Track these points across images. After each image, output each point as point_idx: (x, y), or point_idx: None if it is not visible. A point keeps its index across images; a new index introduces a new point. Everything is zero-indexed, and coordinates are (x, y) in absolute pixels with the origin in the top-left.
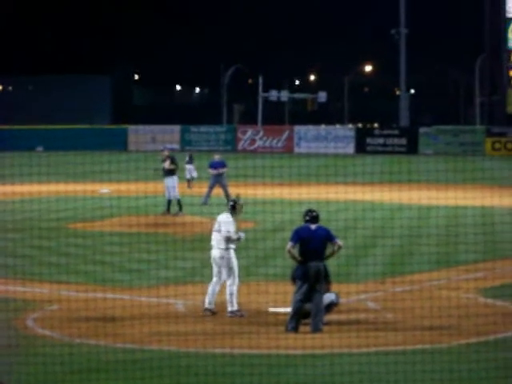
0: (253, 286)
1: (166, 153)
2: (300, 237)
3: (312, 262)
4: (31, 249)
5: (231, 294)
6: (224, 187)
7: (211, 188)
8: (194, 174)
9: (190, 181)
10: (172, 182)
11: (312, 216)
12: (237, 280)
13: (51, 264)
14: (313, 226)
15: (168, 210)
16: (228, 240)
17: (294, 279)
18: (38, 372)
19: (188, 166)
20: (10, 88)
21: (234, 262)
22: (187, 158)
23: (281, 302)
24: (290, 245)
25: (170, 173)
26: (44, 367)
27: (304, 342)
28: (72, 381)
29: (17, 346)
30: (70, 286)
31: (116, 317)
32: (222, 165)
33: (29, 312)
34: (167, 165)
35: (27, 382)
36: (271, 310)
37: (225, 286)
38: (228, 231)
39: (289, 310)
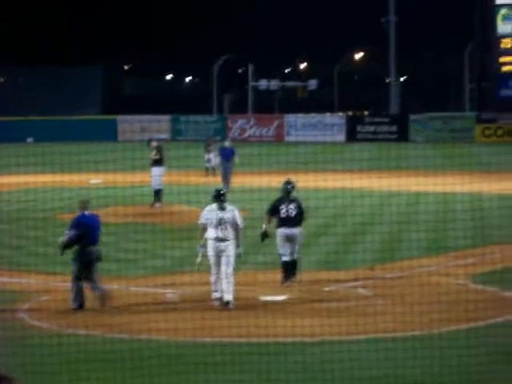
0: (243, 275)
1: (154, 143)
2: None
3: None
4: (19, 239)
5: (229, 283)
6: (229, 174)
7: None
8: (213, 163)
9: (209, 169)
10: (158, 171)
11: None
12: (232, 269)
13: (39, 254)
14: None
15: (156, 200)
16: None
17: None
18: (29, 363)
19: (206, 155)
20: (1, 79)
21: (232, 252)
22: (206, 147)
23: (271, 290)
24: None
25: (156, 163)
26: (35, 358)
27: (294, 330)
28: (63, 371)
29: (8, 338)
30: (58, 276)
31: (105, 307)
32: (232, 152)
33: (19, 303)
34: (153, 155)
35: (19, 373)
36: (262, 298)
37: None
38: (242, 222)
39: (281, 298)
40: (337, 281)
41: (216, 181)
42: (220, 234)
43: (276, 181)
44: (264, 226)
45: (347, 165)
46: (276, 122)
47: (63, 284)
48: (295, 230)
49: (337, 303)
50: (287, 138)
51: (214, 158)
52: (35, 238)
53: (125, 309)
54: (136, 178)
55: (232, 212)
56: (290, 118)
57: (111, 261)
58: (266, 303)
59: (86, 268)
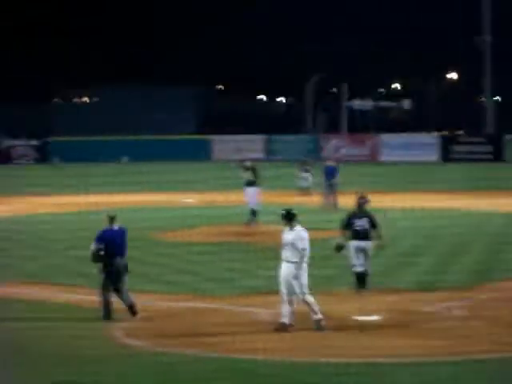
0: (337, 295)
1: (248, 163)
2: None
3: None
4: None
5: (311, 304)
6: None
7: (328, 194)
8: (307, 183)
9: (305, 189)
10: (252, 191)
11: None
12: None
13: (137, 274)
14: None
15: (251, 219)
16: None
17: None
18: (127, 382)
19: (303, 175)
20: (98, 99)
21: (304, 275)
22: (301, 166)
23: (366, 310)
24: None
25: (250, 183)
26: (133, 378)
27: (391, 351)
28: None
29: (106, 356)
30: (156, 295)
31: (202, 326)
32: (335, 171)
33: (116, 322)
34: (247, 175)
35: None
36: (356, 318)
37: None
38: (304, 244)
39: (375, 318)
40: (433, 301)
41: (312, 200)
42: (283, 255)
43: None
44: (338, 240)
45: (442, 185)
46: (370, 142)
47: (160, 303)
48: (366, 243)
49: (432, 324)
50: (381, 158)
51: (311, 178)
52: (133, 257)
53: (220, 328)
54: (230, 197)
55: (297, 233)
56: (384, 137)
57: (206, 280)
58: (361, 323)
59: (112, 280)
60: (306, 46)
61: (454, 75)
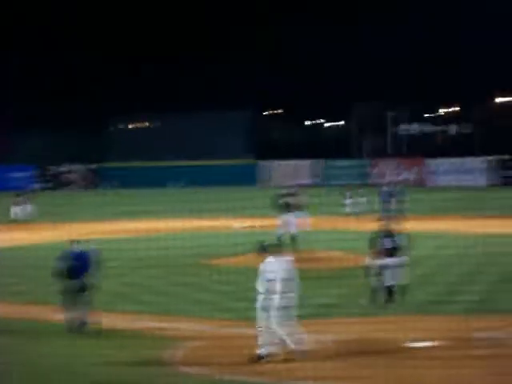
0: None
1: (293, 189)
2: None
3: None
4: (174, 286)
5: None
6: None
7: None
8: (357, 209)
9: (350, 214)
10: (295, 216)
11: None
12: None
13: (191, 301)
14: None
15: (294, 244)
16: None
17: None
18: None
19: (346, 201)
20: (159, 124)
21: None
22: (346, 192)
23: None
24: None
25: (293, 208)
26: None
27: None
28: None
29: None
30: (213, 321)
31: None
32: (391, 195)
33: (172, 348)
34: (293, 200)
35: None
36: (410, 344)
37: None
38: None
39: (429, 344)
40: (486, 328)
41: (357, 225)
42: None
43: (420, 227)
44: (367, 261)
45: (495, 210)
46: (417, 166)
47: (217, 329)
48: (391, 261)
49: (485, 350)
50: (429, 183)
51: (351, 203)
52: (187, 284)
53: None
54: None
55: (265, 264)
56: (431, 162)
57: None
58: (416, 349)
59: (70, 298)
60: (355, 72)
61: (500, 99)
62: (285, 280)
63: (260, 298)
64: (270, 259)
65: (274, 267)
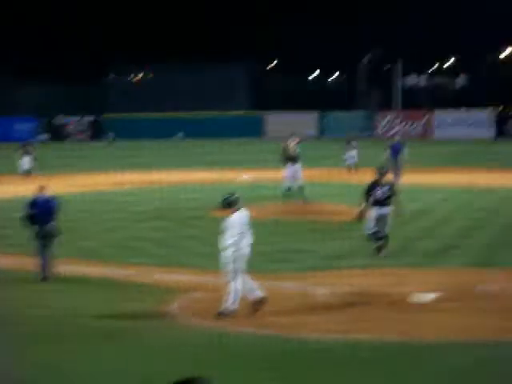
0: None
1: (296, 139)
2: None
3: None
4: (179, 239)
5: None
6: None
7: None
8: (352, 161)
9: (351, 167)
10: (294, 168)
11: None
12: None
13: (195, 253)
14: None
15: (303, 197)
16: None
17: None
18: (187, 360)
19: (347, 153)
20: (152, 75)
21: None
22: (347, 144)
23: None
24: None
25: (294, 159)
26: (190, 355)
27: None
28: (223, 368)
29: (164, 336)
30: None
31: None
32: (401, 147)
33: (171, 300)
34: (293, 151)
35: (179, 369)
36: (413, 297)
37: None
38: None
39: (432, 296)
40: (488, 280)
41: (358, 178)
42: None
43: (425, 179)
44: (362, 205)
45: (501, 162)
46: (424, 118)
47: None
48: (386, 210)
49: (488, 302)
50: (436, 135)
51: (356, 155)
52: (193, 236)
53: (280, 306)
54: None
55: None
56: (439, 113)
57: (265, 259)
58: (419, 303)
59: (42, 244)
60: (361, 22)
61: (509, 49)
62: (247, 232)
63: (228, 251)
64: (236, 213)
65: (243, 220)
